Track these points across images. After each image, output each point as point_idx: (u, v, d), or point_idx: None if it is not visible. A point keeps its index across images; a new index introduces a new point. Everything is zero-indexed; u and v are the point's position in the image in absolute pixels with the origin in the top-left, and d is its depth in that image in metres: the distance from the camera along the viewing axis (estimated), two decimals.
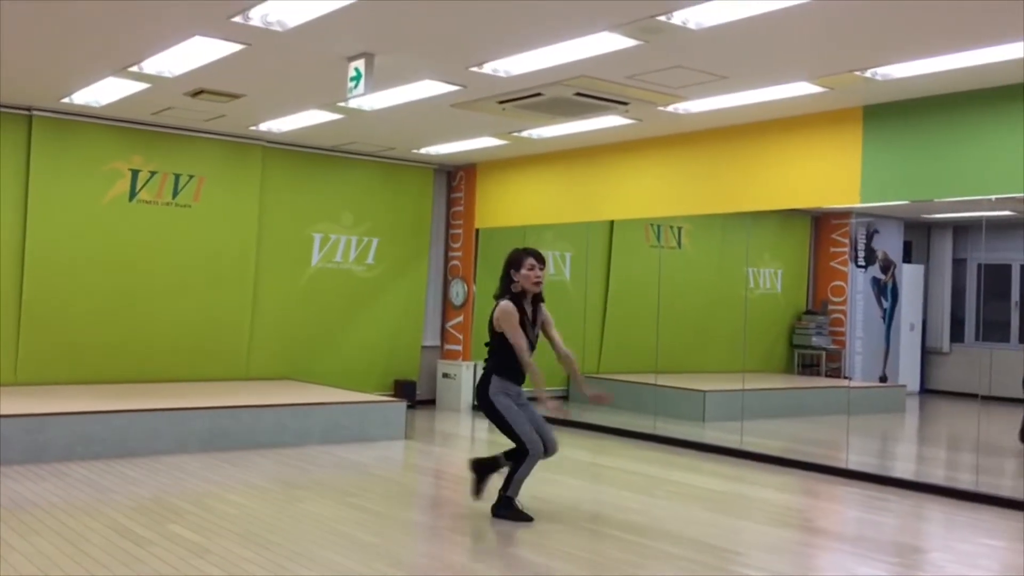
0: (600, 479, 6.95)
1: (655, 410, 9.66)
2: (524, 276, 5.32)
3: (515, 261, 5.37)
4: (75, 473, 6.43)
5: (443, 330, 11.25)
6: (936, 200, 7.23)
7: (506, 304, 5.30)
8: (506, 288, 5.37)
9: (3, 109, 8.32)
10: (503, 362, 5.34)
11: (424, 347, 11.07)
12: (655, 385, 10.08)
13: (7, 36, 6.07)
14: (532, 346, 5.39)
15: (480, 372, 5.61)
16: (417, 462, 7.64)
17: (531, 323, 5.37)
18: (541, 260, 5.39)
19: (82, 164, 8.72)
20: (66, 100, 7.95)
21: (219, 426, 7.52)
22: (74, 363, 8.72)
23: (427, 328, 11.12)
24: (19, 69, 6.97)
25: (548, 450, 5.46)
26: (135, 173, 9.00)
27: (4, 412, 6.76)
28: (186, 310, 9.30)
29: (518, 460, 5.38)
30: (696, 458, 8.01)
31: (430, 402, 11.06)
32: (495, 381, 5.36)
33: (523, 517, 5.44)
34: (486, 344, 5.45)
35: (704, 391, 9.97)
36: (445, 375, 10.96)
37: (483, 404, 5.43)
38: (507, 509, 5.45)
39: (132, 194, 9.00)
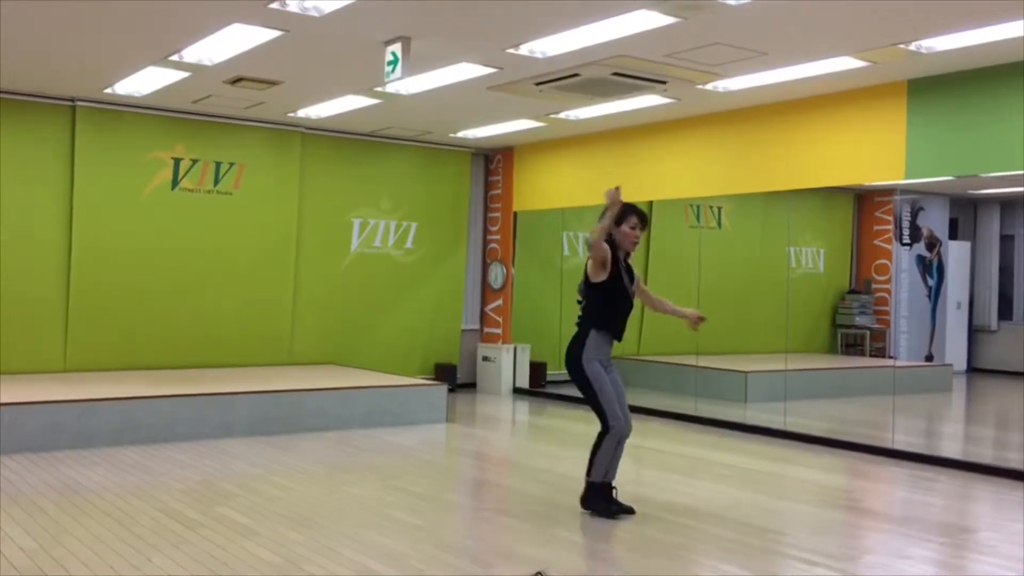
0: (643, 461, 6.94)
1: (696, 391, 9.61)
2: (625, 234, 5.03)
3: (620, 215, 5.02)
4: (125, 457, 6.55)
5: (482, 313, 11.27)
6: (983, 175, 7.09)
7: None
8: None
9: (47, 100, 8.46)
10: (602, 316, 5.03)
11: (464, 330, 11.11)
12: (696, 366, 10.03)
13: (50, 28, 6.16)
14: (631, 305, 5.15)
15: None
16: (460, 445, 7.68)
17: (629, 278, 5.09)
18: (644, 220, 5.10)
19: (125, 154, 8.84)
20: (108, 90, 8.06)
21: (263, 410, 7.61)
22: (121, 350, 8.87)
23: (466, 311, 11.15)
24: (62, 61, 7.07)
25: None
26: (177, 162, 9.11)
27: (55, 398, 6.91)
28: (229, 296, 9.42)
29: (598, 440, 5.11)
30: (739, 439, 7.97)
31: (470, 385, 11.10)
32: (592, 340, 5.02)
33: (617, 509, 5.08)
34: (579, 302, 5.13)
35: (746, 372, 9.90)
36: (485, 358, 10.99)
37: (572, 367, 5.06)
38: (596, 498, 5.14)
39: (174, 183, 9.10)
